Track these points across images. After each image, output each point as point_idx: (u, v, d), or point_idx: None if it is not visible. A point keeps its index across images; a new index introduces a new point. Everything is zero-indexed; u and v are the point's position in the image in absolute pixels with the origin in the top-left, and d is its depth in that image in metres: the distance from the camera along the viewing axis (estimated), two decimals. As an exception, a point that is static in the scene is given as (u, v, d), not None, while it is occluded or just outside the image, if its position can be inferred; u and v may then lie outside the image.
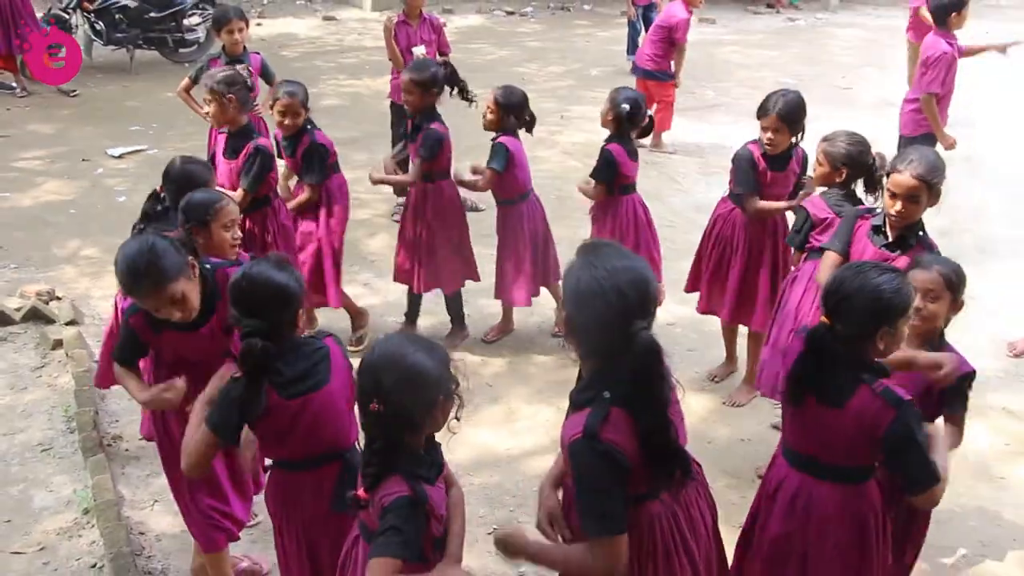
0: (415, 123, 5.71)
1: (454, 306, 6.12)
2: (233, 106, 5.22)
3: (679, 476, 2.56)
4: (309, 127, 5.58)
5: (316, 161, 5.57)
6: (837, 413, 2.84)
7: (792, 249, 4.80)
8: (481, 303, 6.37)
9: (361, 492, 2.54)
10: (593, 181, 5.62)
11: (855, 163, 4.54)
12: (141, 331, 3.46)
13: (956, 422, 3.39)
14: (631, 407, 2.44)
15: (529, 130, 5.88)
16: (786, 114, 4.90)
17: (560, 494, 2.80)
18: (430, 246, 5.81)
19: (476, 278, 6.07)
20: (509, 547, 2.65)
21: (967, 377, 3.33)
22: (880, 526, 2.99)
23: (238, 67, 5.77)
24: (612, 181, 5.59)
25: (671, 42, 9.72)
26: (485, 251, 6.19)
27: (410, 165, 5.78)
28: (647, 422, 2.44)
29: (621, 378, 2.44)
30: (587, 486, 2.49)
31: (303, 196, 5.64)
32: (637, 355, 2.40)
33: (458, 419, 2.61)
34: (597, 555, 2.47)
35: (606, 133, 5.68)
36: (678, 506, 2.66)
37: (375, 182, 5.95)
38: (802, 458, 3.00)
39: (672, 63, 9.83)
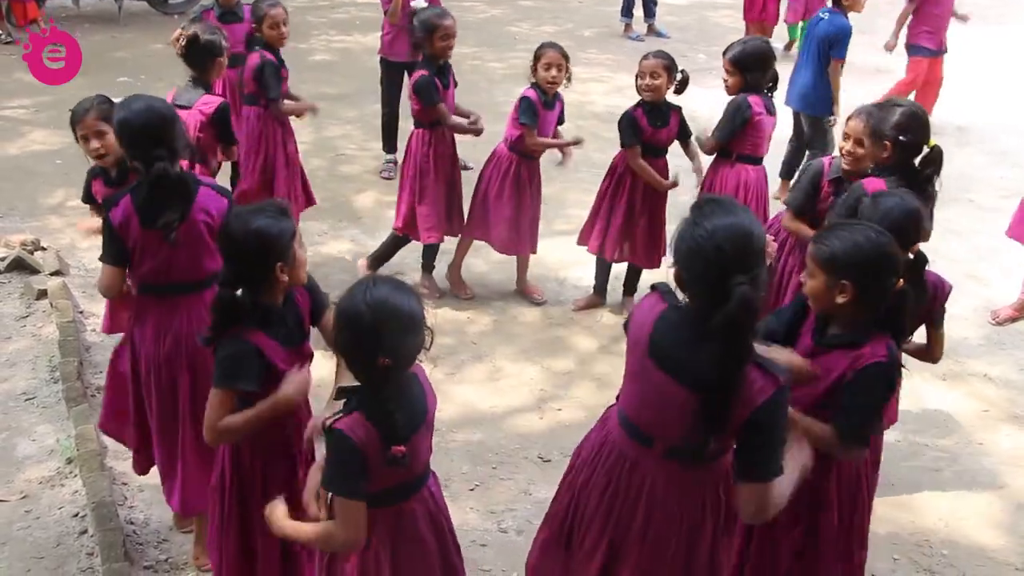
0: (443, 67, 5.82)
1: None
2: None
3: None
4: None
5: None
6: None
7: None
8: (468, 261, 6.36)
9: (401, 448, 2.52)
10: None
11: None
12: (121, 227, 3.42)
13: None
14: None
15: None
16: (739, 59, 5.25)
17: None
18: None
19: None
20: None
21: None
22: None
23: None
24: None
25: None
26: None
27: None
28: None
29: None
30: None
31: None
32: (730, 308, 2.39)
33: (427, 349, 2.60)
34: None
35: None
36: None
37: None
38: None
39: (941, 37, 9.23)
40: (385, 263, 6.16)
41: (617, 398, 2.84)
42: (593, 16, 14.49)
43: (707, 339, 2.44)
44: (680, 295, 2.61)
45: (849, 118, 4.27)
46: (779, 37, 11.81)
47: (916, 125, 3.99)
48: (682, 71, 5.53)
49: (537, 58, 5.64)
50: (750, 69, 5.24)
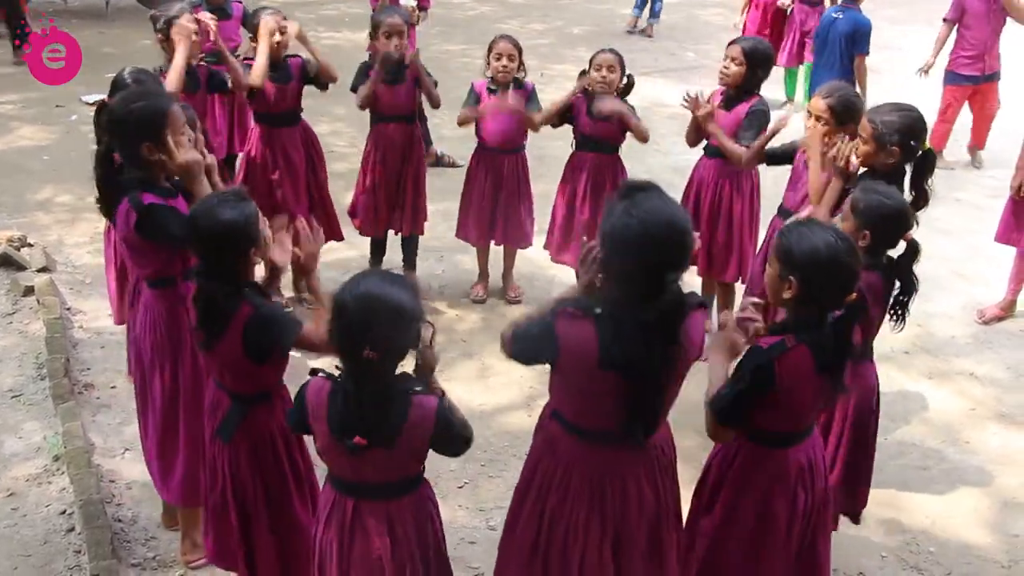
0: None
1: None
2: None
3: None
4: None
5: None
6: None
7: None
8: (457, 259, 6.34)
9: (362, 440, 2.57)
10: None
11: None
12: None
13: None
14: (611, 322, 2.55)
15: None
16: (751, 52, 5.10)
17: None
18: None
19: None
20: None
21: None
22: None
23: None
24: None
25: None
26: (454, 206, 6.17)
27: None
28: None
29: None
30: None
31: None
32: (664, 307, 2.49)
33: (430, 344, 2.61)
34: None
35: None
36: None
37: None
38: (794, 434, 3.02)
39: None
40: (382, 256, 6.16)
41: (553, 417, 2.94)
42: (583, 13, 14.49)
43: (647, 329, 2.51)
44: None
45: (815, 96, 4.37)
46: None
47: (922, 129, 3.95)
48: (629, 75, 5.57)
49: (489, 50, 5.70)
50: (758, 65, 5.09)
